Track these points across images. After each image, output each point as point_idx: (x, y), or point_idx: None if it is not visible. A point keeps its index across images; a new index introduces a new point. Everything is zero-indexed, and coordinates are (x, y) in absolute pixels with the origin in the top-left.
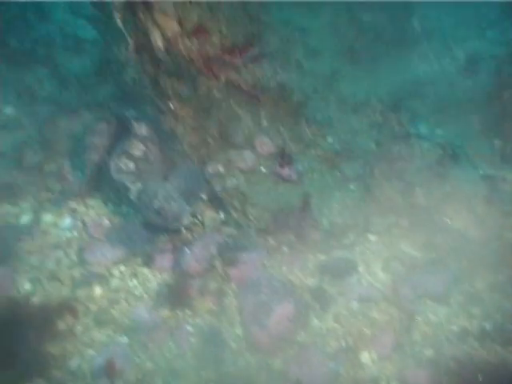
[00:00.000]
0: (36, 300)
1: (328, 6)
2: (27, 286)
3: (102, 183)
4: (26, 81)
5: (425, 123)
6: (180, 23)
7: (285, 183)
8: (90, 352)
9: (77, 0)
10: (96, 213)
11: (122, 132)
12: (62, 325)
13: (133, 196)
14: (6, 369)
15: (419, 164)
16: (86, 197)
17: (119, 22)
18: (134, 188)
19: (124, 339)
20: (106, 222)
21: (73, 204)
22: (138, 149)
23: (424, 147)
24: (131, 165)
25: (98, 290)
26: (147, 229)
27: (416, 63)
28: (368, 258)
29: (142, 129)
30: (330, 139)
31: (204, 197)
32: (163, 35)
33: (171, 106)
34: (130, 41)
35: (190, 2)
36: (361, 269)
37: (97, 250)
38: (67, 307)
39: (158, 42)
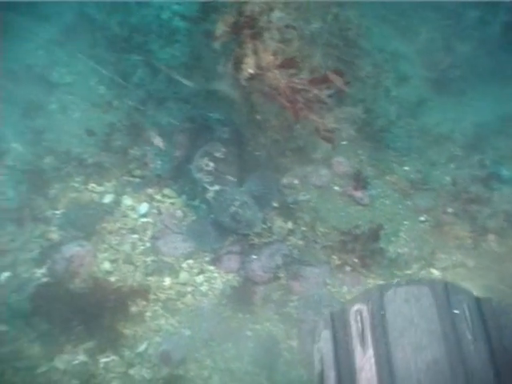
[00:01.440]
0: (113, 280)
1: (424, 34)
2: (107, 265)
3: (179, 175)
4: (120, 65)
5: (509, 166)
6: (275, 54)
7: (356, 205)
8: (157, 339)
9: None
10: (171, 203)
11: (205, 131)
12: (134, 308)
13: (209, 197)
14: (85, 340)
15: (496, 209)
16: (163, 186)
17: (217, 45)
18: (212, 189)
19: (187, 332)
20: (180, 213)
21: (150, 191)
22: (219, 151)
23: (504, 192)
24: (211, 165)
25: (167, 280)
26: (217, 228)
27: (508, 100)
28: None
29: (225, 133)
30: (406, 167)
31: (275, 205)
32: (256, 63)
33: (257, 117)
34: (224, 58)
35: (294, 28)
36: None
37: (169, 241)
38: (139, 292)
39: (248, 68)
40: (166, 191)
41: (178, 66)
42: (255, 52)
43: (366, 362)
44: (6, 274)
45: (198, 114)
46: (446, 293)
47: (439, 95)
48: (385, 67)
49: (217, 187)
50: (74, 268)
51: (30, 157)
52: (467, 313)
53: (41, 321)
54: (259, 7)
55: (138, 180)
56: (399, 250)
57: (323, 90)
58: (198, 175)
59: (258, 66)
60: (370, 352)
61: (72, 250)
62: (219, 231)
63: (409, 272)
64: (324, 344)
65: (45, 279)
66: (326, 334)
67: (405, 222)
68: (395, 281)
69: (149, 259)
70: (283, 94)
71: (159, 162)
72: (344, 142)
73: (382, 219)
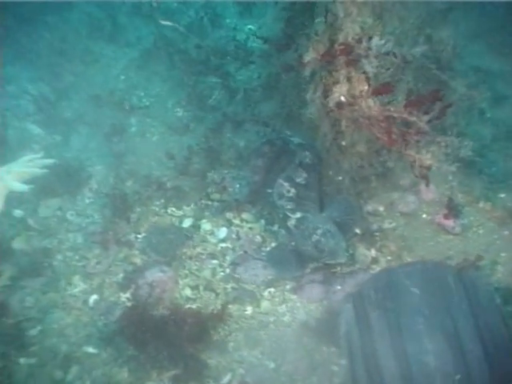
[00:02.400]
0: (194, 307)
1: None
2: (188, 292)
3: (257, 200)
4: (197, 88)
5: None
6: (369, 81)
7: (446, 234)
8: (241, 371)
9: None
10: (249, 228)
11: (285, 155)
12: (216, 337)
13: (291, 224)
14: (169, 368)
15: None
16: (242, 211)
17: (307, 71)
18: (294, 216)
19: (271, 364)
20: (259, 238)
21: (229, 215)
22: (300, 176)
23: None
24: (293, 191)
25: (249, 309)
26: (299, 256)
27: None
28: None
29: (306, 158)
30: (502, 195)
31: (358, 232)
32: (349, 91)
33: (343, 143)
34: (318, 85)
35: (395, 55)
36: None
37: (249, 268)
38: (222, 321)
39: (341, 95)
40: (245, 216)
41: (254, 88)
42: (349, 79)
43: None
44: (94, 297)
45: (277, 138)
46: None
47: None
48: (480, 87)
49: (298, 214)
50: (157, 294)
51: (113, 180)
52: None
53: (128, 346)
54: (355, 34)
55: (216, 204)
56: (496, 285)
57: (421, 115)
58: (279, 202)
59: (351, 94)
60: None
61: (154, 275)
62: (300, 259)
63: (509, 309)
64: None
65: (129, 304)
66: (348, 307)
67: (502, 254)
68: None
69: (229, 286)
70: (376, 124)
71: (237, 186)
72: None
73: (476, 250)
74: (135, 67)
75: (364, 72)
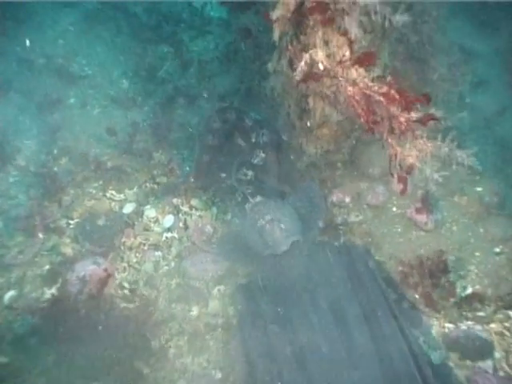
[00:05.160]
0: (131, 306)
1: (507, 30)
2: (125, 288)
3: (209, 185)
4: (147, 57)
5: None
6: (351, 46)
7: (418, 230)
8: (182, 383)
9: None
10: (199, 216)
11: (239, 134)
12: (155, 342)
13: (248, 207)
14: (98, 379)
15: None
16: (191, 197)
17: (276, 33)
18: (252, 200)
19: (218, 375)
20: (209, 228)
21: (176, 201)
22: (257, 157)
23: None
24: (250, 173)
25: (195, 310)
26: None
27: None
28: (508, 341)
29: (263, 137)
30: (479, 188)
31: (320, 225)
32: (327, 58)
33: (308, 124)
34: (283, 53)
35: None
36: (497, 354)
37: (197, 261)
38: (162, 323)
39: (319, 63)
40: (194, 202)
41: (211, 60)
42: (326, 43)
43: None
44: (11, 293)
45: (230, 111)
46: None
47: None
48: (462, 69)
49: (258, 198)
50: (89, 290)
51: (44, 157)
52: None
53: (48, 352)
54: None
55: (162, 188)
56: (470, 287)
57: (411, 111)
58: (239, 187)
59: (329, 62)
60: None
61: (86, 268)
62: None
63: (481, 314)
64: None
65: (54, 301)
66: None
67: (476, 254)
68: None
69: (173, 282)
70: (355, 102)
71: (187, 169)
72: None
73: (449, 249)
74: (77, 31)
75: (345, 33)
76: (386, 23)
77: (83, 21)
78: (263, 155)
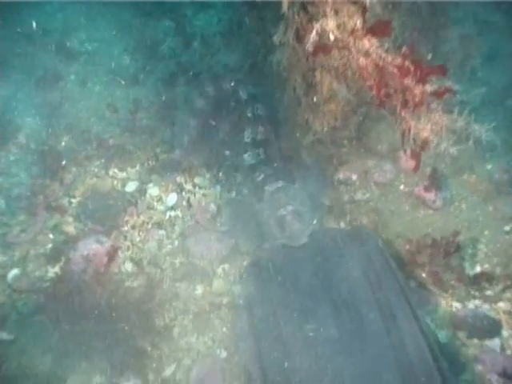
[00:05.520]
0: (135, 285)
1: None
2: (129, 267)
3: (214, 162)
4: (148, 33)
5: None
6: (363, 15)
7: (426, 209)
8: (187, 361)
9: None
10: (203, 194)
11: (232, 103)
12: (160, 321)
13: (267, 191)
14: (102, 358)
15: None
16: (195, 174)
17: (284, 4)
18: (271, 188)
19: (223, 354)
20: (213, 207)
21: (180, 179)
22: (259, 132)
23: None
24: (261, 151)
25: (199, 289)
26: (259, 227)
27: None
28: None
29: (258, 111)
30: (489, 166)
31: (327, 203)
32: (336, 28)
33: (314, 99)
34: (289, 24)
35: None
36: (505, 333)
37: (201, 240)
38: (167, 302)
39: (329, 33)
40: (198, 180)
41: (213, 34)
42: (336, 12)
43: None
44: (15, 272)
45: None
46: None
47: None
48: (475, 41)
49: (280, 183)
50: (92, 268)
51: (45, 135)
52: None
53: (53, 330)
54: None
55: (165, 166)
56: (478, 266)
57: (426, 84)
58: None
59: (340, 31)
60: None
61: (89, 247)
62: (260, 230)
63: (490, 293)
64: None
65: (58, 280)
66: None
67: (485, 233)
68: None
69: (177, 261)
70: (367, 73)
71: (190, 147)
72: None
73: (458, 227)
74: (76, 5)
75: (356, 1)
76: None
77: None
78: (262, 129)
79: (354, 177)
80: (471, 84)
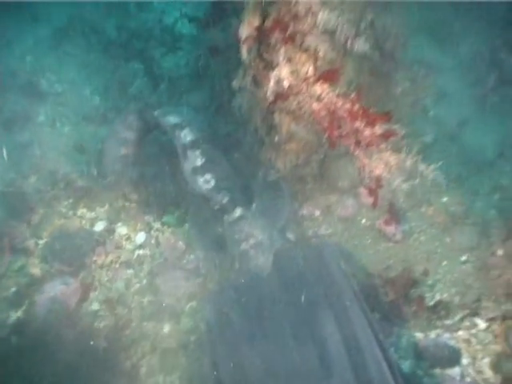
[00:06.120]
0: (102, 325)
1: (467, 45)
2: (95, 306)
3: (181, 200)
4: (118, 74)
5: None
6: (314, 63)
7: (387, 242)
8: None
9: None
10: (171, 232)
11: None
12: (127, 361)
13: (227, 221)
14: None
15: None
16: (163, 213)
17: (244, 52)
18: (232, 215)
19: None
20: (181, 245)
21: (149, 218)
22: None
23: None
24: (209, 177)
25: (167, 327)
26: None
27: None
28: (474, 349)
29: (187, 136)
30: (444, 198)
31: (291, 238)
32: (290, 75)
33: (276, 138)
34: (247, 70)
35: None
36: (465, 361)
37: (169, 278)
38: (134, 342)
39: (284, 80)
40: (166, 218)
41: (181, 76)
42: (289, 60)
43: None
44: None
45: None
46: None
47: (483, 115)
48: (424, 83)
49: (238, 212)
50: (57, 311)
51: (13, 175)
52: None
53: (14, 373)
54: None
55: (134, 205)
56: (437, 296)
57: (374, 126)
58: (209, 196)
59: (293, 78)
60: None
61: (55, 288)
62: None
63: (449, 322)
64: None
65: (20, 325)
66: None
67: (444, 263)
68: None
69: (145, 300)
70: (321, 116)
71: (159, 185)
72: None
73: (417, 259)
74: (45, 47)
75: (307, 50)
76: (349, 45)
77: (51, 37)
78: (201, 156)
79: (318, 212)
80: (424, 122)
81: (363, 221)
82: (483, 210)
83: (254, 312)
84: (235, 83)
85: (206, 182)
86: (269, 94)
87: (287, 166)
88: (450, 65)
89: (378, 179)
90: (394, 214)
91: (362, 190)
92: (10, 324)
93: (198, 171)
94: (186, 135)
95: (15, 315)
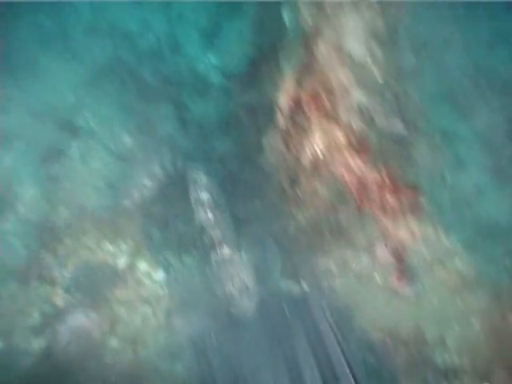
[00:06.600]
0: (120, 361)
1: (485, 115)
2: (114, 342)
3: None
4: (150, 116)
5: None
6: (347, 134)
7: (398, 300)
8: None
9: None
10: (189, 272)
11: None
12: None
13: (214, 259)
14: None
15: None
16: (183, 252)
17: (279, 115)
18: (220, 252)
19: None
20: (199, 285)
21: (169, 256)
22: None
23: None
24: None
25: (179, 367)
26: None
27: None
28: None
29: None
30: (457, 261)
31: (306, 288)
32: (323, 144)
33: (299, 193)
34: (279, 132)
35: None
36: None
37: (185, 318)
38: (150, 380)
39: (316, 148)
40: (185, 257)
41: (210, 123)
42: (323, 130)
43: None
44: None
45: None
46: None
47: (499, 184)
48: (443, 151)
49: (226, 250)
50: (78, 342)
51: (43, 206)
52: None
53: None
54: (329, 85)
55: (155, 242)
56: (447, 360)
57: (402, 198)
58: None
59: (326, 147)
60: None
61: (77, 320)
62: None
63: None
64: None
65: (42, 354)
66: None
67: (455, 326)
68: None
69: (161, 337)
70: (350, 183)
71: (180, 224)
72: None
73: (428, 319)
74: (84, 86)
75: (339, 123)
76: (377, 120)
77: (91, 76)
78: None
79: (333, 265)
80: (441, 189)
81: (377, 278)
82: (495, 275)
83: (236, 360)
84: (266, 141)
85: (205, 214)
86: (305, 163)
87: (307, 220)
88: (469, 134)
89: (402, 243)
90: (408, 275)
91: (378, 248)
92: (31, 352)
93: (203, 205)
94: (204, 194)
95: (37, 343)
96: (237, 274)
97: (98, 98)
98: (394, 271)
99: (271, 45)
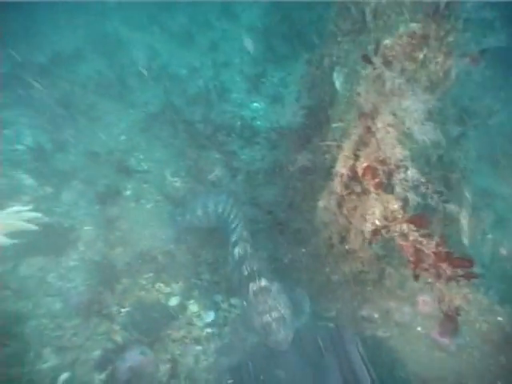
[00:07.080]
0: None
1: None
2: (167, 380)
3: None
4: (199, 161)
5: None
6: (403, 207)
7: (441, 352)
8: None
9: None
10: (238, 314)
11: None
12: None
13: (251, 291)
14: None
15: None
16: (231, 295)
17: (337, 182)
18: (257, 283)
19: None
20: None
21: (218, 298)
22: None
23: None
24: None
25: None
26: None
27: None
28: None
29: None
30: (500, 318)
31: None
32: (379, 212)
33: (347, 247)
34: (334, 195)
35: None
36: None
37: (234, 358)
38: None
39: (376, 219)
40: (234, 301)
41: (257, 170)
42: (380, 200)
43: None
44: (66, 376)
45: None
46: None
47: None
48: (484, 209)
49: (263, 282)
50: (136, 380)
51: (101, 245)
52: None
53: None
54: (385, 159)
55: (206, 284)
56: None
57: (457, 268)
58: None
59: (384, 217)
60: None
61: (135, 358)
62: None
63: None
64: None
65: None
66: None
67: (498, 383)
68: None
69: (211, 377)
70: (406, 251)
71: (228, 268)
72: (430, 280)
73: (470, 374)
74: (138, 129)
75: (395, 195)
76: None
77: (145, 121)
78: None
79: (376, 315)
80: (482, 245)
81: (419, 328)
82: None
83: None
84: (320, 203)
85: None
86: (367, 235)
87: (352, 271)
88: (509, 191)
89: (458, 309)
90: (450, 327)
91: (420, 300)
92: None
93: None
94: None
95: (99, 377)
96: (275, 306)
97: (150, 142)
98: (437, 325)
99: (322, 108)
